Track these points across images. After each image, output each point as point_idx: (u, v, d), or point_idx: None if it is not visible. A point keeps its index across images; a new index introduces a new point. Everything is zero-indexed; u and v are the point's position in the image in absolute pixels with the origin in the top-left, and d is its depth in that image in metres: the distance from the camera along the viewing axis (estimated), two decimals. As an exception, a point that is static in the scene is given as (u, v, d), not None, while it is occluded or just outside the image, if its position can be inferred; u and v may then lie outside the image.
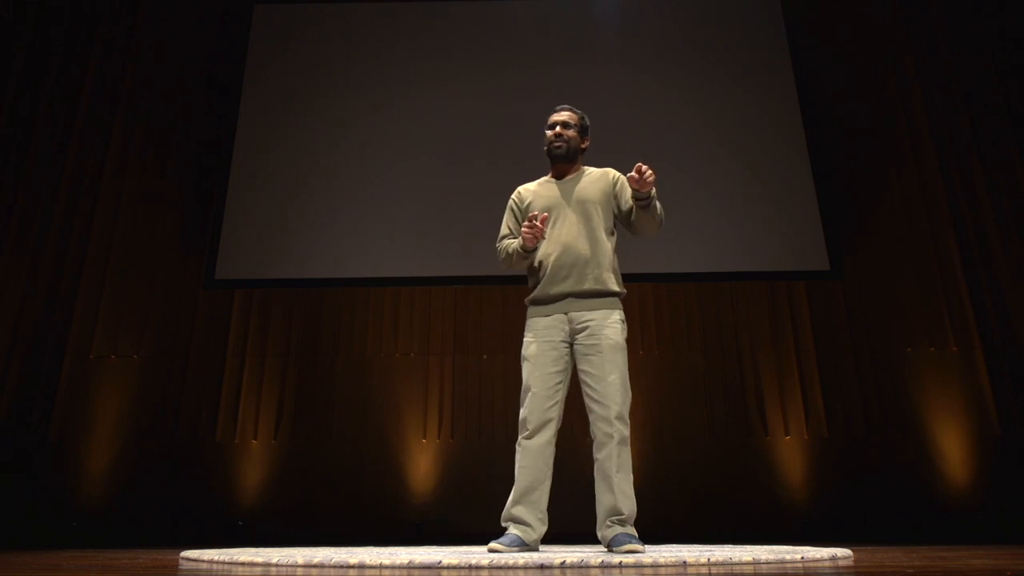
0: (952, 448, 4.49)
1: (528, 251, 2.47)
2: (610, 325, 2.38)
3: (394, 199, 5.22)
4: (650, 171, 2.31)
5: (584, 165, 2.66)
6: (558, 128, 2.60)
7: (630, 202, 2.48)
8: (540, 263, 2.48)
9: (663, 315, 4.93)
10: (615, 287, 2.44)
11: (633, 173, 2.31)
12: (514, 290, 4.94)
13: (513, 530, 2.31)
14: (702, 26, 5.66)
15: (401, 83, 5.54)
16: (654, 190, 2.39)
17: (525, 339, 2.47)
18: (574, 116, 2.64)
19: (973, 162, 5.09)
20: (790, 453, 4.58)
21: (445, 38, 5.69)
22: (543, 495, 2.35)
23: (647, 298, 4.97)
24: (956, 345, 4.74)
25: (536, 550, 2.33)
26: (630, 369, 2.41)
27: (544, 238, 2.44)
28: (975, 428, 4.53)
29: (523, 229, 2.41)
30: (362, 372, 4.86)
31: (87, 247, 5.01)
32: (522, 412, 2.40)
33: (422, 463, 4.63)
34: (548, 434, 2.37)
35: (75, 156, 5.19)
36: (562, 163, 2.60)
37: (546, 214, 2.44)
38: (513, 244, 2.53)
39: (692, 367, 4.81)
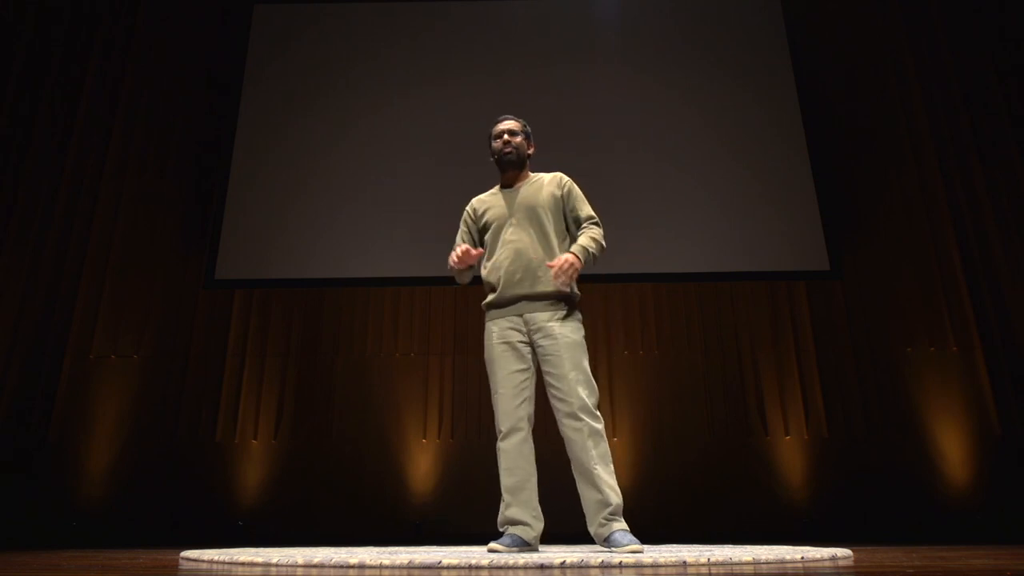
0: (952, 448, 4.49)
1: (456, 273, 2.53)
2: (565, 324, 2.42)
3: (394, 199, 5.22)
4: (558, 270, 2.34)
5: (532, 171, 2.71)
6: (505, 136, 2.67)
7: (574, 214, 2.56)
8: (494, 269, 2.51)
9: (663, 315, 4.93)
10: (567, 289, 2.46)
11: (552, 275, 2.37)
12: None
13: (511, 531, 2.32)
14: (702, 26, 5.66)
15: (401, 83, 5.54)
16: (586, 241, 2.44)
17: (485, 344, 2.50)
18: (518, 124, 2.72)
19: (973, 162, 5.09)
20: (790, 453, 4.58)
21: (445, 38, 5.69)
22: (532, 493, 2.37)
23: (647, 298, 4.97)
24: (956, 345, 4.74)
25: (536, 549, 2.33)
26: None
27: (468, 266, 2.48)
28: (975, 428, 4.53)
29: (453, 256, 2.46)
30: (362, 372, 4.86)
31: (87, 247, 5.01)
32: (495, 416, 2.44)
33: (422, 463, 4.63)
34: (523, 433, 2.40)
35: (75, 156, 5.19)
36: (512, 170, 2.66)
37: (482, 250, 2.49)
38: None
39: (692, 367, 4.81)
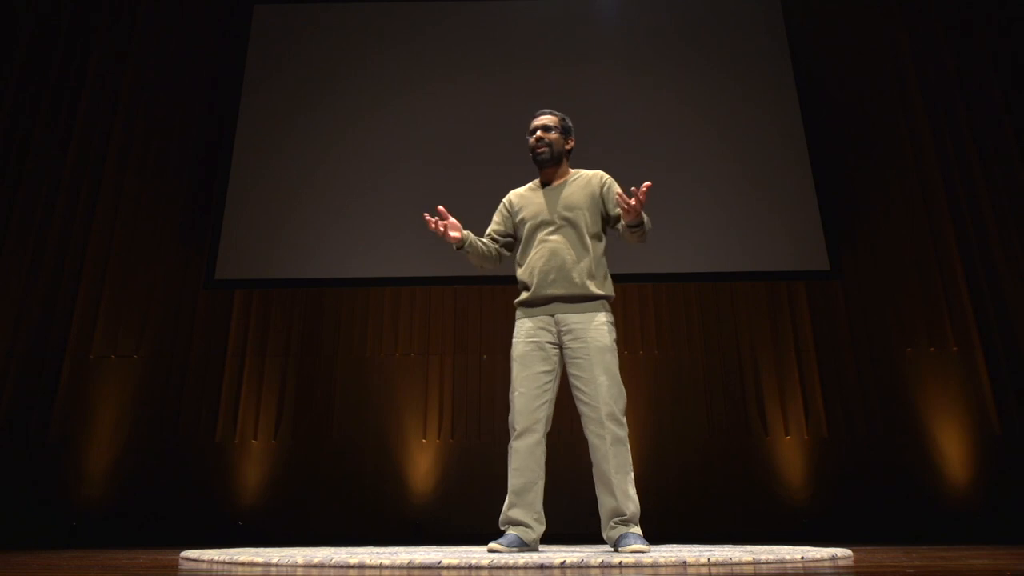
0: (952, 448, 4.49)
1: (457, 249, 2.55)
2: (596, 328, 2.39)
3: (394, 199, 5.22)
4: (643, 193, 2.28)
5: (572, 167, 2.67)
6: (539, 132, 2.61)
7: (615, 211, 2.49)
8: (528, 268, 2.50)
9: (663, 315, 4.93)
10: (601, 291, 2.45)
11: (629, 201, 2.28)
12: (514, 290, 4.93)
13: (512, 531, 2.32)
14: (702, 27, 5.66)
15: (401, 83, 5.54)
16: (645, 216, 2.40)
17: (514, 341, 2.49)
18: (554, 118, 2.64)
19: (973, 162, 5.09)
20: (790, 453, 4.58)
21: (445, 39, 5.69)
22: (537, 496, 2.36)
23: (647, 298, 4.97)
24: (956, 345, 4.74)
25: (536, 550, 2.33)
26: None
27: (446, 230, 2.50)
28: (975, 428, 4.53)
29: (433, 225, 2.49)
30: (362, 372, 4.86)
31: (87, 247, 5.01)
32: (511, 414, 2.41)
33: (422, 463, 4.63)
34: (537, 435, 2.37)
35: (75, 156, 5.19)
36: (548, 167, 2.61)
37: (441, 207, 2.52)
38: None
39: (692, 367, 4.81)
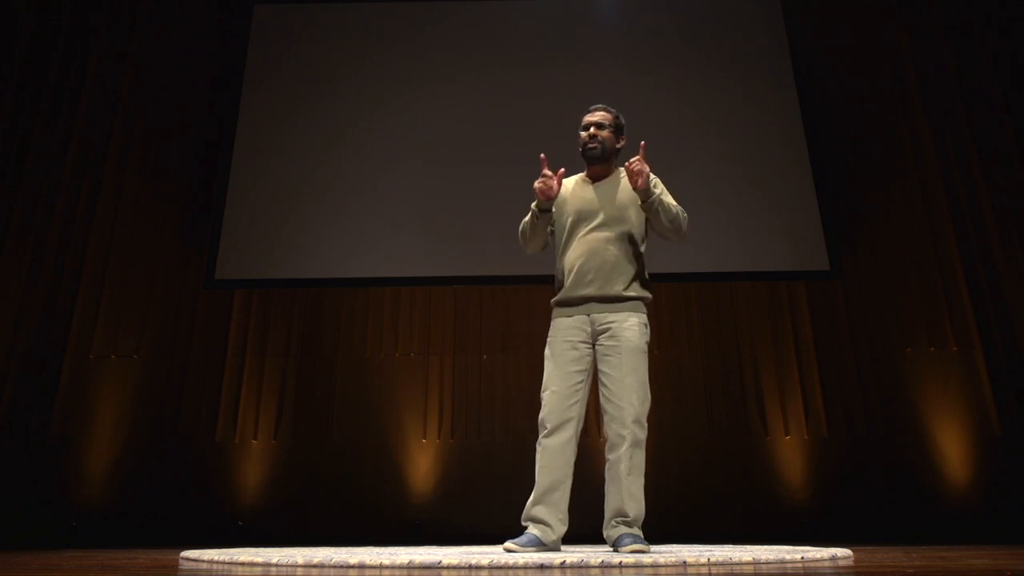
0: (952, 448, 4.49)
1: (542, 210, 2.49)
2: (631, 328, 2.38)
3: (394, 199, 5.22)
4: (638, 161, 2.36)
5: (620, 167, 2.63)
6: (592, 129, 2.58)
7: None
8: (566, 266, 2.48)
9: (663, 315, 4.93)
10: (637, 293, 2.44)
11: (631, 167, 2.39)
12: (514, 290, 4.95)
13: (532, 530, 2.28)
14: (702, 27, 5.65)
15: (401, 83, 5.54)
16: (659, 188, 2.43)
17: (549, 339, 2.48)
18: (608, 116, 2.62)
19: (973, 162, 5.09)
20: (790, 453, 4.58)
21: (445, 39, 5.68)
22: (564, 496, 2.33)
23: (647, 298, 4.97)
24: (956, 345, 4.74)
25: (557, 550, 2.30)
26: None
27: (555, 196, 2.48)
28: (975, 428, 4.53)
29: (537, 184, 2.45)
30: (362, 372, 4.85)
31: (87, 247, 5.01)
32: (541, 411, 2.39)
33: (422, 463, 4.63)
34: (568, 433, 2.34)
35: (75, 155, 5.19)
36: (597, 165, 2.59)
37: (563, 169, 2.49)
38: (529, 216, 2.55)
39: (692, 367, 4.81)
